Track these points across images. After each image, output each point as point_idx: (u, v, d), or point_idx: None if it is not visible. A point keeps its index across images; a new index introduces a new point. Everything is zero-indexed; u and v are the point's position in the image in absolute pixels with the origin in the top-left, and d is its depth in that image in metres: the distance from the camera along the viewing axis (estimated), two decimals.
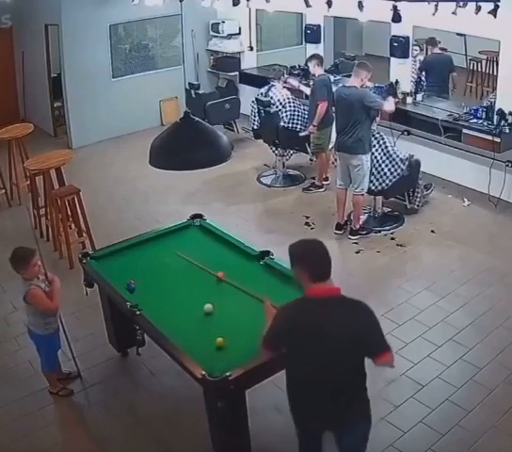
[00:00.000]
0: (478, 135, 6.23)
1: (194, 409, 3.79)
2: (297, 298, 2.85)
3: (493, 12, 5.38)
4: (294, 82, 7.41)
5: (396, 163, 5.98)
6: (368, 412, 2.88)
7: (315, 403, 2.81)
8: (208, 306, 3.69)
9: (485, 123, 6.26)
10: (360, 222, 6.20)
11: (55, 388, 4.21)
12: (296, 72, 8.30)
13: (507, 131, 6.09)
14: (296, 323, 2.75)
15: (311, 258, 2.78)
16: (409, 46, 7.07)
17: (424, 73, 7.37)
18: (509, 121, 6.14)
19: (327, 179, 7.29)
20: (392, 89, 6.95)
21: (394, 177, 6.00)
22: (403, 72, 7.20)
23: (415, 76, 7.27)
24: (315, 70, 6.86)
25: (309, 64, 7.02)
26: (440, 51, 7.58)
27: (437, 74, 7.51)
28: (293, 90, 7.31)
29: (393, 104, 6.10)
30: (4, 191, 7.16)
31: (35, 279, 3.86)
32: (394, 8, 5.84)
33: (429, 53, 7.58)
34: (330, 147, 7.03)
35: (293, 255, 2.81)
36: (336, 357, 2.68)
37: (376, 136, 5.97)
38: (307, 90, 7.18)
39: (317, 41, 8.17)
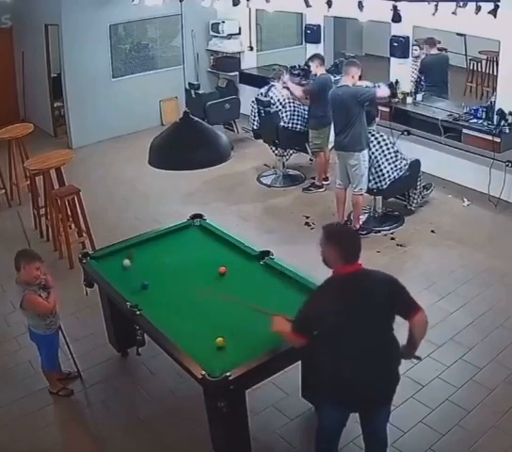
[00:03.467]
0: (478, 135, 6.23)
1: (194, 409, 3.80)
2: (327, 279, 2.96)
3: (493, 12, 5.38)
4: (290, 84, 7.33)
5: (395, 162, 5.98)
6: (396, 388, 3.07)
7: (361, 373, 2.90)
8: (126, 261, 4.05)
9: (485, 123, 6.26)
10: (360, 222, 6.20)
11: (55, 388, 4.21)
12: (295, 72, 8.28)
13: (507, 131, 6.10)
14: (333, 301, 2.88)
15: (348, 243, 2.94)
16: (409, 46, 7.08)
17: (423, 74, 7.38)
18: (509, 121, 6.14)
19: (327, 179, 7.29)
20: (391, 89, 6.95)
21: (394, 177, 6.00)
22: (403, 72, 7.21)
23: (415, 76, 7.28)
24: (318, 70, 6.85)
25: (311, 64, 7.00)
26: (437, 51, 7.58)
27: (436, 75, 7.51)
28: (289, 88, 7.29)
29: (387, 89, 6.09)
30: (4, 191, 7.16)
31: (31, 284, 3.85)
32: (394, 8, 5.84)
33: (427, 53, 7.58)
34: (330, 147, 7.03)
35: (329, 234, 2.98)
36: (376, 324, 2.88)
37: (376, 135, 5.97)
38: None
39: (317, 41, 8.18)
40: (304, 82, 7.75)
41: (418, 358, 3.13)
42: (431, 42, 7.44)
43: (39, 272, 3.87)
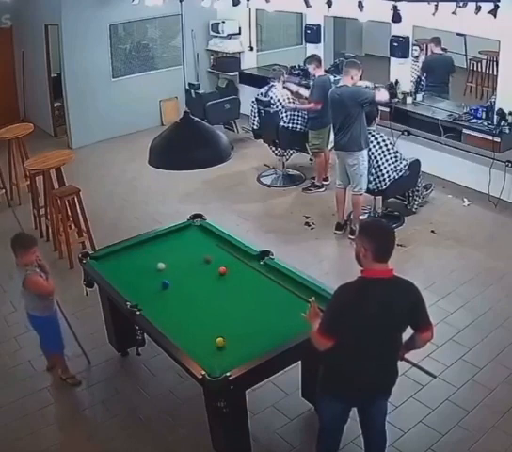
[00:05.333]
0: (478, 135, 6.23)
1: (194, 409, 3.80)
2: (356, 278, 2.89)
3: (493, 12, 5.38)
4: (292, 87, 7.35)
5: (395, 163, 5.98)
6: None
7: (367, 372, 2.93)
8: (160, 264, 4.02)
9: (485, 123, 6.27)
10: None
11: (65, 374, 4.27)
12: (296, 72, 8.30)
13: (507, 131, 6.10)
14: (356, 302, 2.83)
15: (382, 238, 2.89)
16: (409, 46, 7.08)
17: (424, 74, 7.39)
18: (509, 121, 6.14)
19: (326, 179, 7.29)
20: (391, 90, 6.95)
21: (393, 177, 6.00)
22: (403, 72, 7.21)
23: (416, 76, 7.28)
24: (316, 71, 6.83)
25: (308, 66, 7.01)
26: (441, 51, 7.59)
27: (437, 75, 7.51)
28: (293, 91, 7.31)
29: (386, 93, 6.08)
30: (4, 191, 7.15)
31: (30, 265, 3.93)
32: (394, 8, 5.84)
33: (430, 52, 7.58)
34: (330, 147, 7.03)
35: (365, 229, 2.96)
36: (391, 331, 2.89)
37: (377, 136, 5.97)
38: (306, 93, 7.14)
39: (317, 41, 8.18)
40: (304, 82, 7.76)
41: (433, 375, 3.33)
42: (436, 41, 7.45)
43: (35, 256, 3.96)
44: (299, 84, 7.54)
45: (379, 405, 3.19)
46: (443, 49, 7.63)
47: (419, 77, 7.31)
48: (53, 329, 4.17)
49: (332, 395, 3.08)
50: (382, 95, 5.88)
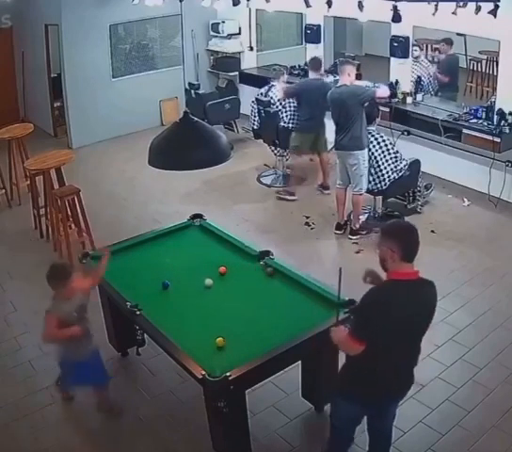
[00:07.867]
0: (478, 135, 6.23)
1: (194, 409, 3.80)
2: (383, 282, 2.89)
3: (493, 12, 5.39)
4: (281, 84, 7.25)
5: (395, 163, 5.98)
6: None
7: (391, 377, 2.93)
8: (208, 280, 3.88)
9: (485, 123, 6.27)
10: (360, 222, 6.20)
11: (105, 405, 4.04)
12: (295, 72, 8.31)
13: (507, 131, 6.10)
14: (388, 306, 2.79)
15: (408, 236, 2.84)
16: (409, 46, 7.09)
17: (438, 74, 7.45)
18: (509, 121, 6.14)
19: (327, 188, 7.19)
20: (392, 89, 6.95)
21: (393, 177, 6.00)
22: (403, 72, 7.21)
23: (416, 76, 7.29)
24: (311, 74, 6.86)
25: (308, 68, 7.02)
26: (453, 52, 7.58)
27: (450, 75, 7.57)
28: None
29: (387, 89, 6.08)
30: (4, 191, 7.16)
31: (66, 300, 3.51)
32: (394, 8, 5.86)
33: (444, 54, 7.58)
34: (330, 147, 7.02)
35: (389, 231, 2.88)
36: (418, 334, 2.92)
37: (377, 136, 5.97)
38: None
39: (317, 41, 8.18)
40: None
41: None
42: (450, 42, 7.42)
43: (74, 287, 3.53)
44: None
45: (392, 409, 3.18)
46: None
47: (419, 77, 7.33)
48: (81, 376, 3.71)
49: (351, 399, 3.03)
50: (383, 91, 5.89)
